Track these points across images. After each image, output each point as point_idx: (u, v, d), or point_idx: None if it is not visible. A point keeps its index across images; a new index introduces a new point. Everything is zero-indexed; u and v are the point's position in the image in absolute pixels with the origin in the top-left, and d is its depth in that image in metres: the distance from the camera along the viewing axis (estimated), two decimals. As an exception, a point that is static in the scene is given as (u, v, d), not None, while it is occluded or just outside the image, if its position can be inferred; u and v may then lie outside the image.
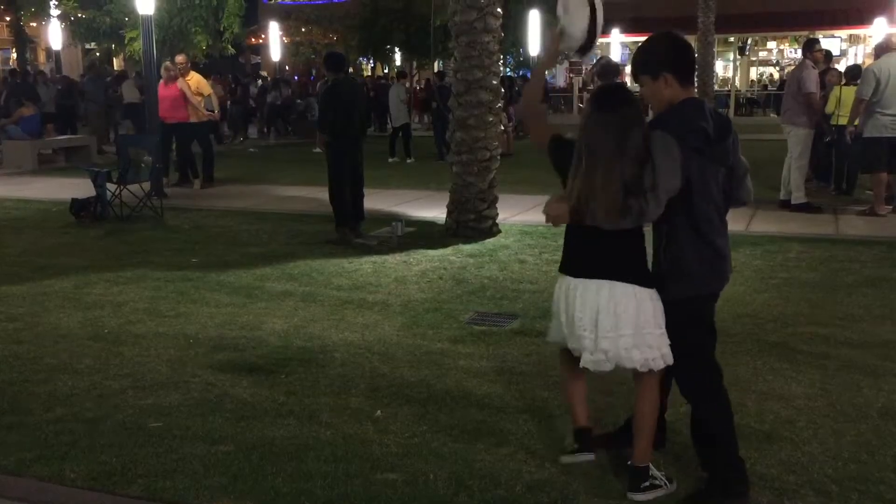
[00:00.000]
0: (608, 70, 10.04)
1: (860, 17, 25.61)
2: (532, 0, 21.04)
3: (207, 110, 12.78)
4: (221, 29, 17.91)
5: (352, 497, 3.31)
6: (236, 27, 18.31)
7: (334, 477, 3.45)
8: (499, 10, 8.54)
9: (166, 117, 11.79)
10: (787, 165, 9.83)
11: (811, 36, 15.68)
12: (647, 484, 3.24)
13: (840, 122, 10.45)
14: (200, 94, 12.48)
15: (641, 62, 3.26)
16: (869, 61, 10.93)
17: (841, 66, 14.70)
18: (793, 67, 12.17)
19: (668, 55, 3.23)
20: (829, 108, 10.62)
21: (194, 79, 12.49)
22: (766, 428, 3.88)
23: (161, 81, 11.94)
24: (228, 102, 22.22)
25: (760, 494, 3.30)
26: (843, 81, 10.87)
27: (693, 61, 3.32)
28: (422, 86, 22.43)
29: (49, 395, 4.36)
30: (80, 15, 18.78)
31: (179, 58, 12.69)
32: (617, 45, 27.84)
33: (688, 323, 3.25)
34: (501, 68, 8.85)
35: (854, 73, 10.78)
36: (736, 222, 8.95)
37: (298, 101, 23.39)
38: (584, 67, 31.16)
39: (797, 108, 9.54)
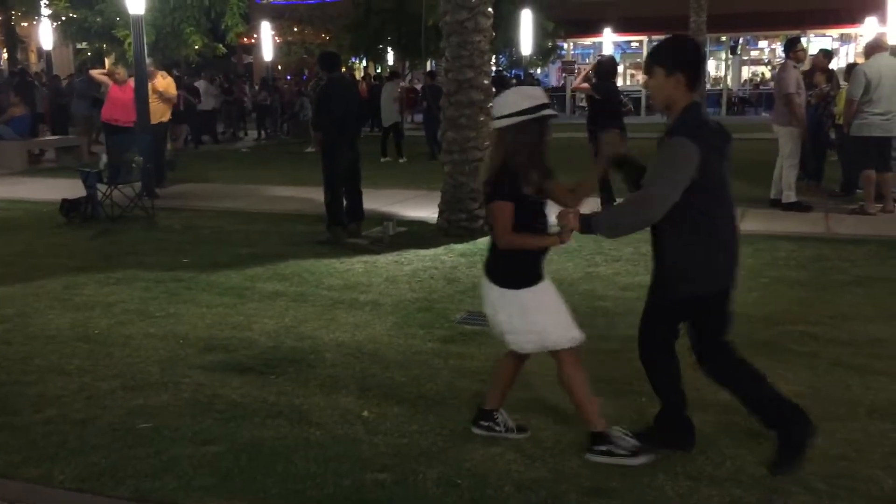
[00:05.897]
0: (606, 68, 10.01)
1: (851, 16, 25.70)
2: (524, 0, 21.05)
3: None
4: (224, 28, 17.62)
5: (342, 497, 3.31)
6: (241, 27, 17.97)
7: (324, 477, 3.45)
8: (489, 9, 8.54)
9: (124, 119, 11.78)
10: (778, 165, 9.86)
11: (801, 35, 15.75)
12: (604, 448, 3.58)
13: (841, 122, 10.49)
14: (167, 96, 12.33)
15: (662, 55, 3.44)
16: (860, 60, 10.94)
17: (832, 66, 14.73)
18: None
19: (687, 58, 3.43)
20: (838, 108, 10.63)
21: (164, 81, 12.35)
22: (755, 426, 3.88)
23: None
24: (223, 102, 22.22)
25: (749, 493, 3.32)
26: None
27: (703, 71, 3.48)
28: (419, 85, 22.41)
29: (38, 397, 4.35)
30: (71, 15, 18.61)
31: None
32: (609, 44, 27.88)
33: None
34: (494, 68, 8.86)
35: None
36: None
37: (294, 100, 23.37)
38: (577, 67, 31.22)
39: (783, 109, 9.58)
